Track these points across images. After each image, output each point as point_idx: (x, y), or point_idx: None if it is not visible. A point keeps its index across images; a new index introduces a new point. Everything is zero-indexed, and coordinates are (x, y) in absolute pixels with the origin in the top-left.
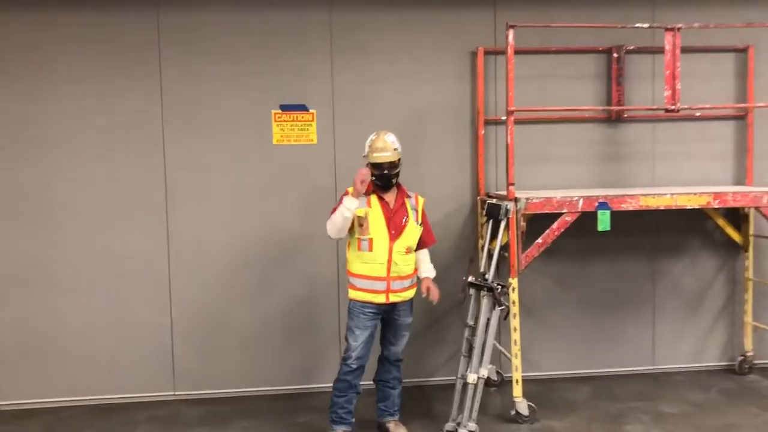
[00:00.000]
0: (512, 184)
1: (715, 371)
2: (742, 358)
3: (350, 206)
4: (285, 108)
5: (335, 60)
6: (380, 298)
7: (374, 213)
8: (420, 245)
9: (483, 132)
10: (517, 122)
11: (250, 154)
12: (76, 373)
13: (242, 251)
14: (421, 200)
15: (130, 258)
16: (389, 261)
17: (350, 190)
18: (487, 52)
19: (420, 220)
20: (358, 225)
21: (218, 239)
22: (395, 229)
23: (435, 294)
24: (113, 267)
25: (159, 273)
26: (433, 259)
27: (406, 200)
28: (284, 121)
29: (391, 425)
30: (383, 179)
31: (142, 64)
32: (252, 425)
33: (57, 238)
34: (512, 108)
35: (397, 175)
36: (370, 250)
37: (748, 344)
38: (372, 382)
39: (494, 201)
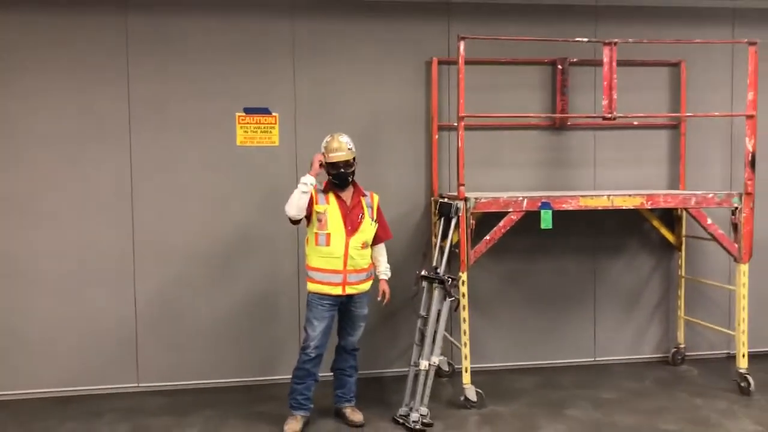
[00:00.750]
0: (462, 185)
1: (651, 362)
2: (676, 350)
3: (306, 181)
4: (248, 111)
5: (297, 65)
6: (337, 290)
7: (332, 210)
8: (376, 240)
9: (437, 137)
10: (468, 128)
11: (215, 154)
12: (40, 366)
13: (205, 247)
14: (376, 198)
15: (95, 252)
16: (345, 255)
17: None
18: (441, 62)
19: (375, 217)
20: (317, 220)
21: (182, 236)
22: (351, 225)
23: (388, 297)
24: (78, 261)
25: (123, 267)
26: (390, 256)
27: (362, 198)
28: (248, 123)
29: (347, 410)
30: (339, 178)
31: (110, 65)
32: (214, 414)
33: (23, 232)
34: (463, 114)
35: (352, 173)
36: (328, 244)
37: (681, 337)
38: (330, 372)
39: (446, 200)
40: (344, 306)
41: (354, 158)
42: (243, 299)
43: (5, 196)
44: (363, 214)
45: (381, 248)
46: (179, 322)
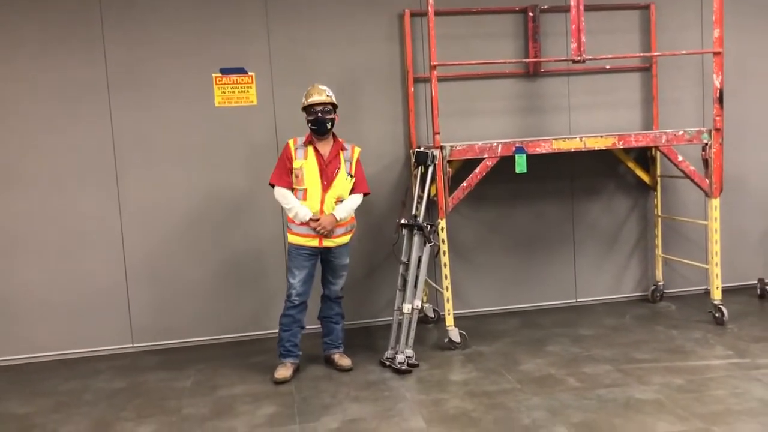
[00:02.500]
0: (438, 133)
1: (631, 301)
2: (654, 287)
3: (302, 217)
4: (225, 71)
5: (271, 23)
6: (314, 242)
7: (308, 165)
8: (353, 193)
9: (413, 89)
10: (443, 79)
11: (194, 116)
12: (35, 331)
13: (190, 208)
14: (356, 151)
15: (83, 219)
16: (321, 210)
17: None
18: (413, 14)
19: (353, 171)
20: (294, 176)
21: (167, 198)
22: (327, 180)
23: (317, 224)
24: (68, 228)
25: (112, 232)
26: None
27: (341, 152)
28: (225, 84)
29: (336, 356)
30: (317, 123)
31: (85, 30)
32: (208, 367)
33: (10, 201)
34: (435, 63)
35: (332, 121)
36: (305, 199)
37: (660, 275)
38: (318, 323)
39: (422, 149)
40: (324, 256)
41: (334, 107)
42: (230, 257)
43: None
44: (339, 169)
45: (352, 197)
46: (169, 284)
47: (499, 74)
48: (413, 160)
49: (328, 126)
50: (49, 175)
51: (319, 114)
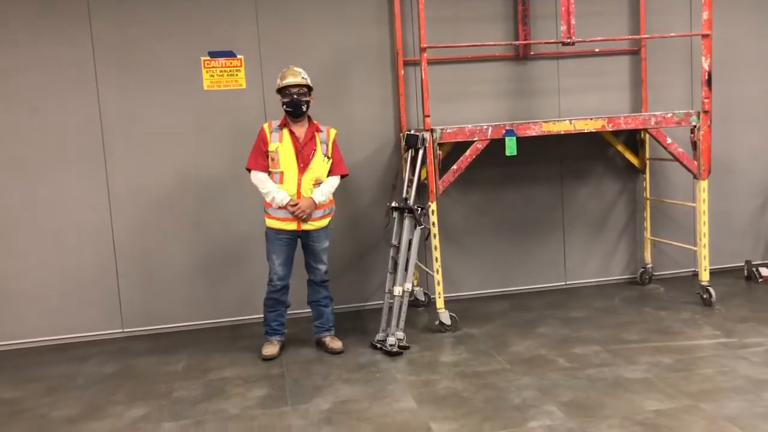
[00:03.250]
0: (428, 116)
1: (620, 283)
2: (643, 269)
3: (279, 201)
4: (213, 54)
5: (260, 6)
6: (292, 226)
7: (284, 148)
8: (329, 174)
9: (403, 72)
10: (433, 62)
11: (182, 100)
12: (23, 317)
13: (178, 192)
14: (332, 132)
15: (71, 203)
16: (298, 193)
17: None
18: None
19: (329, 153)
20: (270, 159)
21: (155, 182)
22: (303, 162)
23: (296, 208)
24: (56, 213)
25: (100, 217)
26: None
27: (317, 134)
28: (213, 67)
29: (327, 339)
30: (292, 105)
31: (71, 12)
32: (198, 351)
33: None
34: (425, 45)
35: (307, 104)
36: (281, 182)
37: (648, 257)
38: (308, 307)
39: (412, 132)
40: (304, 240)
41: (309, 89)
42: (219, 242)
43: None
44: (315, 150)
45: (330, 179)
46: (157, 268)
47: (488, 57)
48: (403, 143)
49: (304, 108)
50: (37, 160)
51: (295, 96)
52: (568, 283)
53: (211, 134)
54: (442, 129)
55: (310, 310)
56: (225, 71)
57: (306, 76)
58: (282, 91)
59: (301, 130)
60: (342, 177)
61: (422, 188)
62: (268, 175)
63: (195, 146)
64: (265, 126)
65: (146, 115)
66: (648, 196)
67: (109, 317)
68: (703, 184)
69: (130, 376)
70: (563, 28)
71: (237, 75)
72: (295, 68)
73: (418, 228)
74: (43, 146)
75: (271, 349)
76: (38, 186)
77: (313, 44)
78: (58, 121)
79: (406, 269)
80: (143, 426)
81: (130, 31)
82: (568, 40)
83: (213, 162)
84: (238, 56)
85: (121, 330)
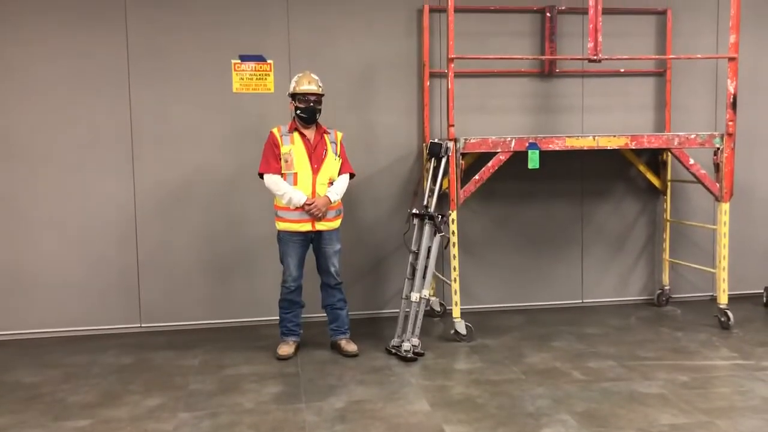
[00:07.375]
0: (452, 126)
1: (637, 304)
2: (660, 291)
3: (297, 201)
4: (244, 58)
5: (291, 13)
6: (306, 227)
7: (297, 149)
8: (339, 174)
9: (428, 84)
10: (459, 75)
11: (212, 101)
12: (45, 307)
13: (204, 192)
14: (339, 134)
15: (98, 199)
16: (313, 193)
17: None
18: (432, 10)
19: (339, 153)
20: (283, 161)
21: (182, 181)
22: (317, 162)
23: (313, 206)
24: (82, 207)
25: (126, 213)
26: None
27: (325, 135)
28: (243, 70)
29: (342, 342)
30: (308, 111)
31: (109, 16)
32: (214, 348)
33: (27, 177)
34: (452, 56)
35: (320, 111)
36: (295, 184)
37: (666, 279)
38: (323, 311)
39: (436, 141)
40: (316, 243)
41: (321, 98)
42: (242, 243)
43: (5, 142)
44: (327, 150)
45: (341, 178)
46: (179, 266)
47: (514, 72)
48: (426, 153)
49: (317, 116)
50: (67, 154)
51: (311, 103)
52: (584, 301)
53: (238, 136)
54: (465, 139)
55: (325, 314)
56: (254, 75)
57: (321, 85)
58: (299, 96)
59: (310, 133)
60: (350, 177)
61: (443, 197)
62: (282, 177)
63: (221, 146)
64: (275, 130)
65: (175, 114)
66: (668, 218)
67: (128, 312)
68: (725, 207)
69: (146, 368)
70: (590, 44)
71: (266, 79)
72: (312, 75)
73: (438, 235)
74: (74, 138)
75: (286, 348)
76: (67, 178)
77: (342, 54)
78: (89, 115)
79: (424, 276)
80: (160, 414)
81: (163, 35)
82: (595, 57)
83: (237, 162)
84: (268, 61)
85: (139, 325)
